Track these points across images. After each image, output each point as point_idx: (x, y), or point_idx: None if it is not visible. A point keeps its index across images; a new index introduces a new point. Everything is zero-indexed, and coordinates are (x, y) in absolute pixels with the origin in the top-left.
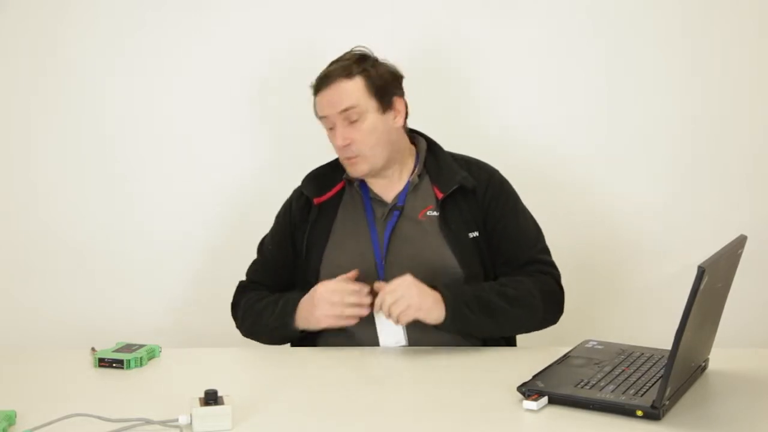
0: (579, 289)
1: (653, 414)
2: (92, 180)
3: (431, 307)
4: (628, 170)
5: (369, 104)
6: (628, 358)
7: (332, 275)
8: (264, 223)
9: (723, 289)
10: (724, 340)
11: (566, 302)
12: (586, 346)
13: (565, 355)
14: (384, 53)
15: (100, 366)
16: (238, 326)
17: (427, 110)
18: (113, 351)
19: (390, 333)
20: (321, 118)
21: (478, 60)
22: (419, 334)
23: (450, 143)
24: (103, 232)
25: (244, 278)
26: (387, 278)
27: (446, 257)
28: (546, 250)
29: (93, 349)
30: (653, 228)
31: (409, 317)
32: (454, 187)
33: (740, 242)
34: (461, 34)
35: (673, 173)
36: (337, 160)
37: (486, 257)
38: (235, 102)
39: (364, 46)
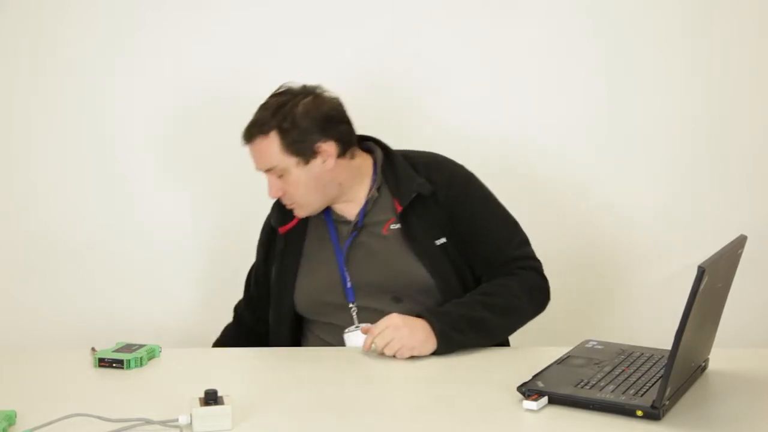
0: (579, 289)
1: (653, 414)
2: (92, 180)
3: (423, 342)
4: (628, 170)
5: (288, 161)
6: (628, 358)
7: (307, 304)
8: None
9: (723, 289)
10: (724, 340)
11: (566, 302)
12: (586, 346)
13: (565, 355)
14: (383, 53)
15: (100, 366)
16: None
17: (427, 110)
18: (113, 351)
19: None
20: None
21: (477, 60)
22: None
23: (449, 143)
24: (103, 232)
25: (242, 281)
26: (358, 298)
27: (415, 269)
28: (524, 242)
29: (93, 349)
30: (653, 228)
31: (403, 356)
32: (412, 197)
33: (740, 242)
34: (461, 34)
35: (673, 173)
36: None
37: (459, 262)
38: (235, 102)
39: (290, 84)
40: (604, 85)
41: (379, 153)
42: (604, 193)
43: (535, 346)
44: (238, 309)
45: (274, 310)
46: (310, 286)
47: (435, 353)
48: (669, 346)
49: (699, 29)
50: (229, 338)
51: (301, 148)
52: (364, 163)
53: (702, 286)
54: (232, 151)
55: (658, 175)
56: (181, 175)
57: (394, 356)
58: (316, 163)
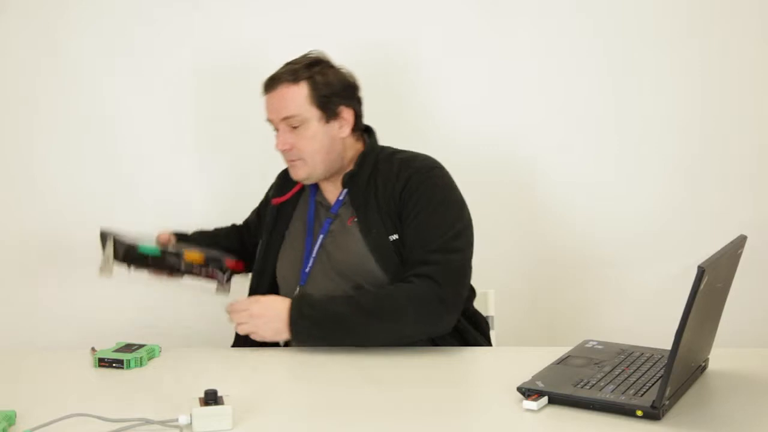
0: (579, 289)
1: (653, 414)
2: (92, 180)
3: (275, 333)
4: (628, 170)
5: (311, 113)
6: (628, 358)
7: (282, 282)
8: None
9: (723, 289)
10: (724, 340)
11: (566, 302)
12: (586, 346)
13: (565, 355)
14: (381, 52)
15: (100, 366)
16: None
17: (423, 111)
18: (113, 351)
19: None
20: (267, 120)
21: (477, 60)
22: None
23: (448, 143)
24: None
25: (242, 282)
26: (308, 283)
27: (369, 262)
28: (444, 249)
29: (93, 349)
30: (653, 228)
31: (258, 338)
32: (344, 182)
33: (740, 242)
34: (460, 34)
35: (673, 173)
36: None
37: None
38: (235, 102)
39: (320, 52)
40: (604, 85)
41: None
42: (604, 193)
43: (535, 346)
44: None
45: (255, 271)
46: (282, 262)
47: (291, 344)
48: (669, 346)
49: (700, 29)
50: (223, 233)
51: (327, 105)
52: (358, 150)
53: (702, 286)
54: (231, 151)
55: (658, 175)
56: (182, 174)
57: None
58: (334, 126)
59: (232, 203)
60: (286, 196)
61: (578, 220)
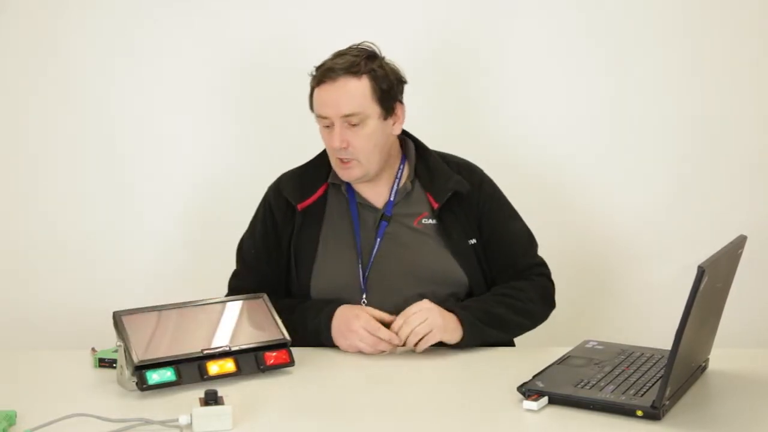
0: (579, 289)
1: (653, 414)
2: (92, 180)
3: (453, 329)
4: (628, 170)
5: (372, 110)
6: (628, 358)
7: (323, 290)
8: None
9: (723, 289)
10: (724, 340)
11: (566, 302)
12: (586, 346)
13: (565, 355)
14: (384, 52)
15: (100, 366)
16: None
17: (426, 109)
18: (113, 351)
19: None
20: (318, 116)
21: (477, 60)
22: None
23: (449, 142)
24: (103, 231)
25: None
26: (371, 288)
27: (449, 265)
28: (537, 249)
29: (93, 349)
30: (653, 228)
31: (433, 340)
32: (449, 195)
33: (740, 242)
34: (460, 34)
35: (673, 173)
36: (315, 160)
37: (484, 263)
38: (243, 100)
39: (371, 43)
40: (604, 85)
41: (411, 145)
42: (604, 193)
43: (535, 346)
44: (238, 286)
45: (287, 287)
46: (329, 272)
47: (458, 345)
48: (669, 346)
49: (699, 29)
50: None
51: (386, 101)
52: (398, 150)
53: (702, 286)
54: (231, 152)
55: (658, 175)
56: (183, 175)
57: (413, 349)
58: (389, 123)
59: (232, 203)
60: (312, 198)
61: (578, 220)
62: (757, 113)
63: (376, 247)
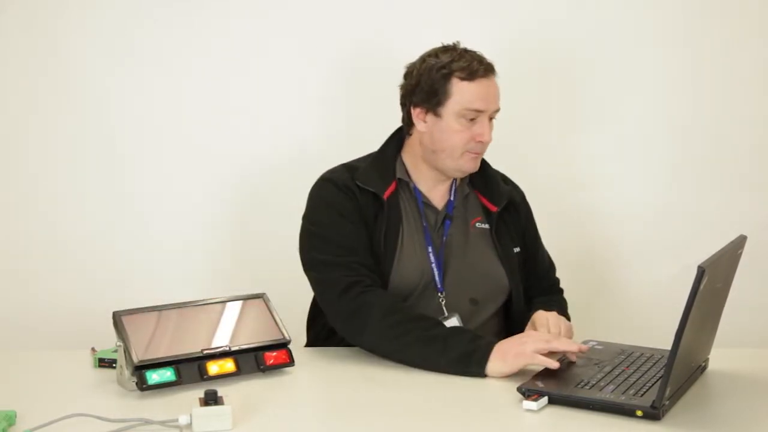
0: (579, 289)
1: (653, 414)
2: (92, 180)
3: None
4: (628, 170)
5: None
6: (628, 358)
7: (399, 286)
8: (264, 224)
9: (723, 289)
10: (724, 340)
11: (566, 302)
12: (586, 346)
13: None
14: (384, 53)
15: (100, 366)
16: (366, 338)
17: None
18: (113, 351)
19: None
20: (470, 109)
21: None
22: None
23: None
24: (103, 232)
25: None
26: (445, 288)
27: (497, 270)
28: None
29: (93, 349)
30: (653, 228)
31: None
32: (505, 202)
33: (740, 242)
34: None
35: (673, 173)
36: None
37: (522, 273)
38: (237, 101)
39: (457, 42)
40: (604, 85)
41: None
42: (604, 193)
43: None
44: (356, 280)
45: (385, 269)
46: (406, 268)
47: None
48: (669, 346)
49: (699, 29)
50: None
51: None
52: None
53: (702, 286)
54: (232, 152)
55: (657, 175)
56: (183, 175)
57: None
58: None
59: (232, 203)
60: (391, 188)
61: (578, 220)
62: (756, 113)
63: (443, 245)
